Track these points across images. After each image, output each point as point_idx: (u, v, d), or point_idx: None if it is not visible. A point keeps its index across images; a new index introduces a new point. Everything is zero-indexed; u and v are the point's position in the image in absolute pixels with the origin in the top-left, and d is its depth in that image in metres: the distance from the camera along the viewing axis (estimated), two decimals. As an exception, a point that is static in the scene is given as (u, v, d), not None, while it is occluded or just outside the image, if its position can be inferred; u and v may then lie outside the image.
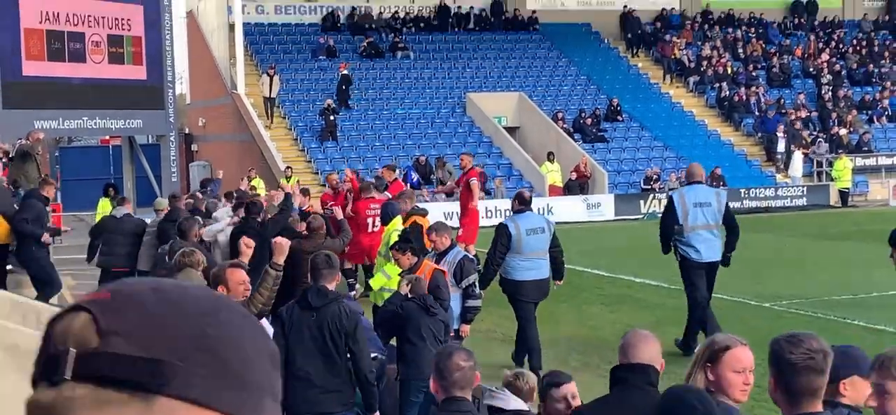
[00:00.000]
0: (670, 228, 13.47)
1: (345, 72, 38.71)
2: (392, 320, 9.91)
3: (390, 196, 17.34)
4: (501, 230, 13.05)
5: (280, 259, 9.18)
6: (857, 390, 5.60)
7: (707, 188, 14.85)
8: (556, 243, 13.22)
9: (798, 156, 38.11)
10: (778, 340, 4.62)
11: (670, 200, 14.04)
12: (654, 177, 36.52)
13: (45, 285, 14.83)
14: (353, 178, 20.16)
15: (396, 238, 12.64)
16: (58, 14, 28.31)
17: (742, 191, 36.88)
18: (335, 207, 16.68)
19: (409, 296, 9.64)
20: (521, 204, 13.62)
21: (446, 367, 5.68)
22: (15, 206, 15.31)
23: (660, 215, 14.72)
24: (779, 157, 39.45)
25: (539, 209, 30.14)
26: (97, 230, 16.80)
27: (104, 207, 20.51)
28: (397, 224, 14.21)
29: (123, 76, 29.82)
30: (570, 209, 33.62)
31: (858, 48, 47.28)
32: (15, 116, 25.37)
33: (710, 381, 4.63)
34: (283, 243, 9.47)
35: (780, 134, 39.61)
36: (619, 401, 6.05)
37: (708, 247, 13.30)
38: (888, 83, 44.88)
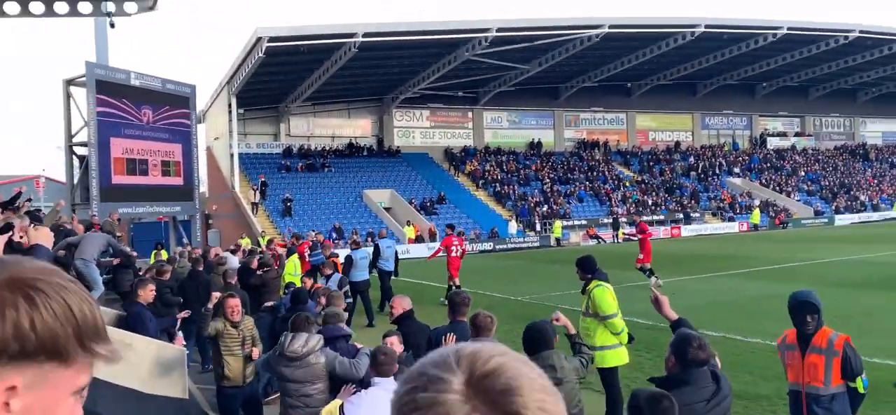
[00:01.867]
0: (376, 257, 15.72)
1: (263, 179, 38.14)
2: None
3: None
4: (348, 258, 14.82)
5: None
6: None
7: (390, 239, 18.10)
8: (374, 263, 15.52)
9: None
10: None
11: (376, 246, 16.36)
12: (461, 232, 36.79)
13: None
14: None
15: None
16: (133, 149, 27.16)
17: (506, 239, 37.57)
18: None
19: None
20: (355, 247, 15.98)
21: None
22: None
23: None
24: (525, 221, 40.42)
25: (400, 250, 30.05)
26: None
27: (164, 254, 19.31)
28: (294, 258, 15.88)
29: (169, 183, 28.70)
30: (418, 250, 33.59)
31: (563, 166, 48.87)
32: (107, 206, 24.10)
33: None
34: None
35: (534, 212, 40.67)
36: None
37: (390, 264, 15.95)
38: (577, 183, 46.45)
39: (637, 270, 19.19)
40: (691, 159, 53.16)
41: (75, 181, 27.34)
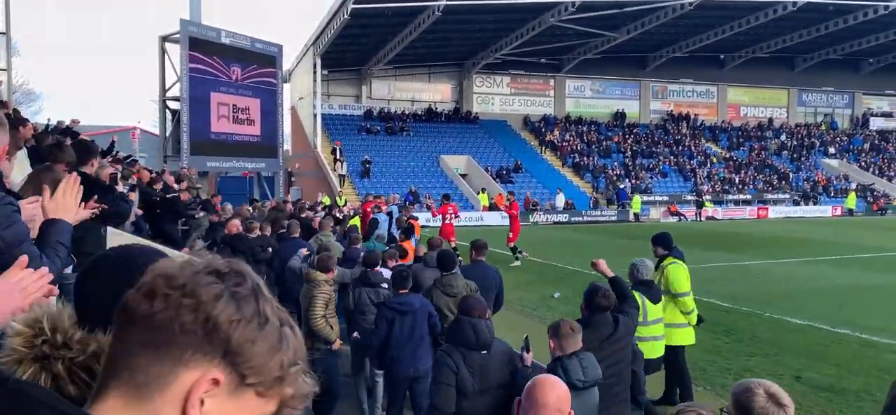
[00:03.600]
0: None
1: (339, 145, 37.39)
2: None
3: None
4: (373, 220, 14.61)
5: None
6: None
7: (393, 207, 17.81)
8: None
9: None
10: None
11: (374, 219, 14.58)
12: (535, 202, 36.57)
13: None
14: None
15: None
16: (222, 105, 28.21)
17: (584, 212, 37.00)
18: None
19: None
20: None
21: None
22: None
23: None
24: (602, 194, 39.65)
25: (474, 217, 30.08)
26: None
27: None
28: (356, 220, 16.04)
29: (255, 140, 29.73)
30: (492, 219, 33.59)
31: (647, 138, 47.52)
32: (196, 159, 25.22)
33: None
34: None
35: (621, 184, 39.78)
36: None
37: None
38: (661, 158, 45.13)
39: (509, 249, 18.76)
40: (784, 137, 50.62)
41: (168, 134, 28.72)
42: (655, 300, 6.55)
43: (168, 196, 10.91)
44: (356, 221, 16.18)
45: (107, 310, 1.09)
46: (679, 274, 7.07)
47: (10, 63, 21.84)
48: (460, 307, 4.98)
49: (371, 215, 15.95)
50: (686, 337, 7.06)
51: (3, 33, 21.81)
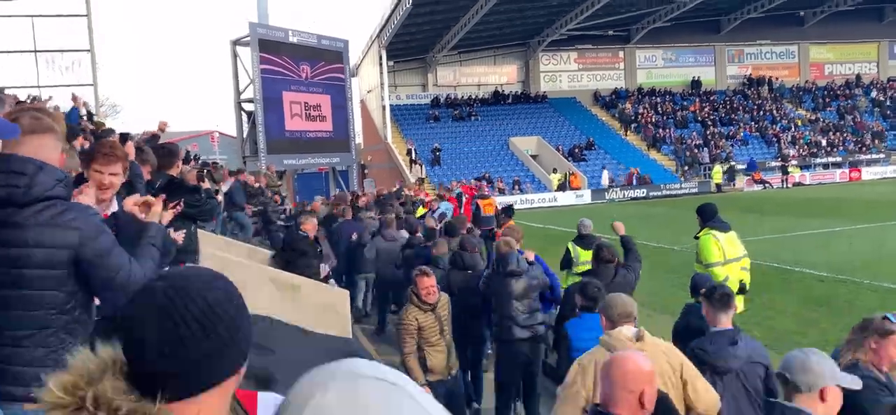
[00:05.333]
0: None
1: (411, 147, 37.18)
2: None
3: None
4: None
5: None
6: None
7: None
8: None
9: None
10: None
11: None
12: (611, 179, 35.86)
13: None
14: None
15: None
16: (294, 103, 28.90)
17: (661, 185, 36.06)
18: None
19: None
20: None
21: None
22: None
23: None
24: (682, 167, 38.51)
25: (548, 197, 29.78)
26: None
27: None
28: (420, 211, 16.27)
29: (328, 136, 30.36)
30: (564, 198, 33.25)
31: (725, 105, 45.77)
32: (273, 158, 25.95)
33: (872, 350, 3.27)
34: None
35: (699, 154, 38.60)
36: None
37: None
38: (741, 124, 43.38)
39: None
40: (875, 94, 47.72)
41: (245, 136, 29.70)
42: (587, 248, 7.58)
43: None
44: (421, 211, 16.28)
45: (161, 357, 0.93)
46: (708, 245, 7.09)
47: (96, 79, 23.06)
48: (458, 244, 7.52)
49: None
50: None
51: (88, 51, 23.06)
